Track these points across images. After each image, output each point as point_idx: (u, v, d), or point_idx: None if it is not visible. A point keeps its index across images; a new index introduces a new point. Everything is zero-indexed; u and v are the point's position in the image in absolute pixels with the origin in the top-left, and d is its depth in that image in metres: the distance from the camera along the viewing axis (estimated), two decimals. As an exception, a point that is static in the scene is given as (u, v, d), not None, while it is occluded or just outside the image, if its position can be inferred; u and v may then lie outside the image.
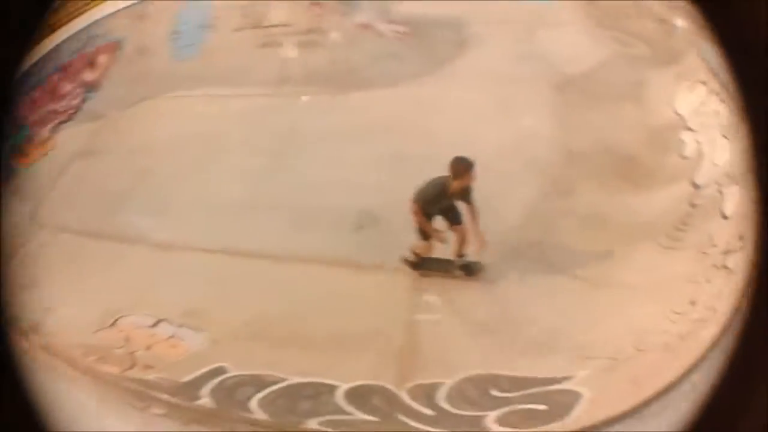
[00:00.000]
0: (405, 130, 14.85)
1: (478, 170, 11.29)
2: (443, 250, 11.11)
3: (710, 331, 7.28)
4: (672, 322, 8.39)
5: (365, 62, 18.52)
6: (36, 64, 17.40)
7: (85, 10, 22.24)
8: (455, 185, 10.51)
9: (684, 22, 21.53)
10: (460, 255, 10.90)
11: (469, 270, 10.92)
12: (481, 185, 11.35)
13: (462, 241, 10.83)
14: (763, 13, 2.30)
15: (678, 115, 15.39)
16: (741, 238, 8.80)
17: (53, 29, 22.12)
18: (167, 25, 20.62)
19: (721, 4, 2.57)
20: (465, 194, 10.65)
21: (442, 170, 11.22)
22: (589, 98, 17.37)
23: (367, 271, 10.92)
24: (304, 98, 18.08)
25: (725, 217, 10.28)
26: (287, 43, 19.08)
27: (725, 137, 12.79)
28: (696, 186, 12.51)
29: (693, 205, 11.91)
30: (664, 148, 14.66)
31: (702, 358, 7.08)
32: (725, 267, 8.67)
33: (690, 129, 14.57)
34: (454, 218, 10.89)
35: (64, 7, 24.07)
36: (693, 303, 8.46)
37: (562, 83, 18.13)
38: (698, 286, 8.89)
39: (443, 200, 10.66)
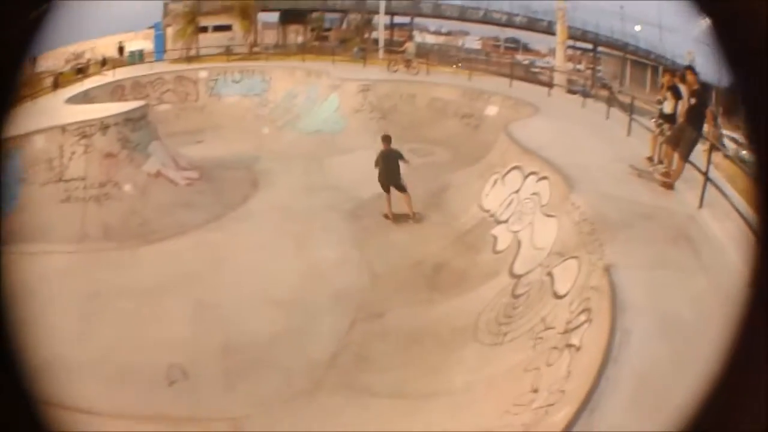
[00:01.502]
0: (204, 280, 13.89)
1: (283, 308, 12.57)
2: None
3: (564, 412, 6.21)
4: (514, 415, 7.32)
5: (158, 213, 17.72)
6: None
7: None
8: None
9: (495, 108, 23.11)
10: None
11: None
12: (287, 322, 12.06)
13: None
14: (763, 12, 1.85)
15: (486, 211, 14.55)
16: (585, 310, 8.07)
17: None
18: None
19: (721, 3, 2.06)
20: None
21: (248, 317, 12.30)
22: (389, 220, 16.92)
23: (182, 425, 9.81)
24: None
25: (559, 297, 9.37)
26: (84, 196, 17.87)
27: (549, 215, 11.88)
28: (515, 276, 11.36)
29: (516, 296, 10.68)
30: (474, 249, 13.67)
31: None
32: (569, 346, 7.66)
33: (501, 222, 13.61)
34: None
35: None
36: (535, 390, 7.43)
37: (356, 208, 18.02)
38: (538, 372, 7.87)
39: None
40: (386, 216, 16.74)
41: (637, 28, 56.64)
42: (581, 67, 59.94)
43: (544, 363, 7.90)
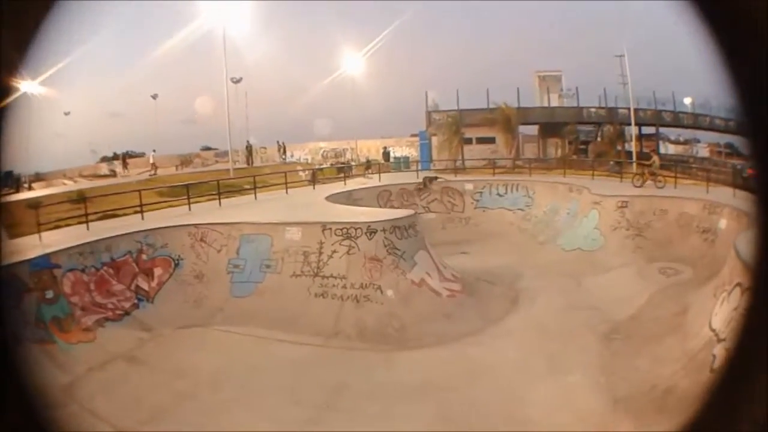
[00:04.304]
0: (455, 393, 14.60)
1: (526, 426, 12.78)
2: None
3: None
4: None
5: (418, 321, 18.46)
6: (86, 245, 18.14)
7: (143, 211, 23.74)
8: None
9: (725, 221, 22.30)
10: None
11: None
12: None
13: None
14: (763, 8, 2.18)
15: (713, 330, 14.37)
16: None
17: (107, 215, 23.70)
18: (227, 255, 21.16)
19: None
20: None
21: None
22: (635, 342, 16.92)
23: None
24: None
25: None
26: (342, 295, 19.18)
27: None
28: (720, 394, 11.44)
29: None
30: (697, 370, 13.54)
31: None
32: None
33: (722, 340, 13.42)
34: None
35: (117, 197, 26.08)
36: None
37: (610, 331, 17.90)
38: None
39: None
40: None
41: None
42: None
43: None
